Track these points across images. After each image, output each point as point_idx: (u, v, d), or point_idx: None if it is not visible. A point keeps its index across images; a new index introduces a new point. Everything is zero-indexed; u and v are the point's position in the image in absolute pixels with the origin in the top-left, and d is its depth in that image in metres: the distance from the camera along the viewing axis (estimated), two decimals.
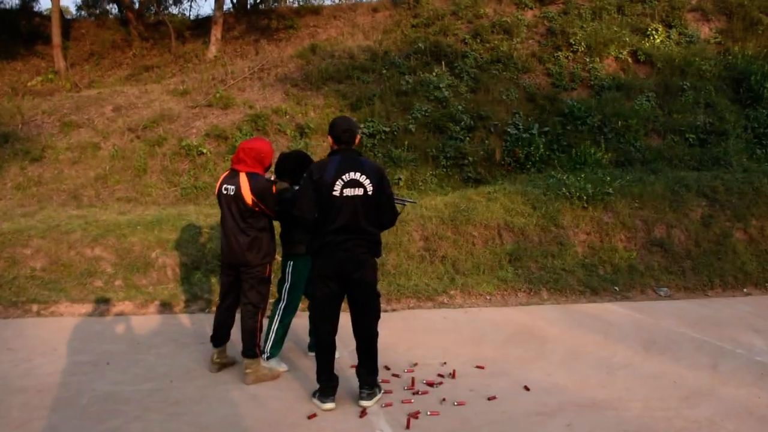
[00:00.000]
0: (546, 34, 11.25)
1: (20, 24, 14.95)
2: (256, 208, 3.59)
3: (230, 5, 15.73)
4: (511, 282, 5.95)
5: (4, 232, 5.98)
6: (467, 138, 8.90)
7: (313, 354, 3.97)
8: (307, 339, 4.27)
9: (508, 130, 8.86)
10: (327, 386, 3.38)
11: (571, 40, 10.64)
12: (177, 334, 4.61)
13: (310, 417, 3.26)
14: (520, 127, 8.89)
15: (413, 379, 3.74)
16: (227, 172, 3.74)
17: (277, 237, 3.85)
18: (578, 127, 9.00)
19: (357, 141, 3.42)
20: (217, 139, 8.82)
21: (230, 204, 3.63)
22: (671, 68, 10.13)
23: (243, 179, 3.58)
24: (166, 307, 5.25)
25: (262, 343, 3.79)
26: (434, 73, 10.01)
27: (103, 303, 5.21)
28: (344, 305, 3.48)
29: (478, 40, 11.10)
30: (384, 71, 10.34)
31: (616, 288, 6.08)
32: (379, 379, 3.57)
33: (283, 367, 3.88)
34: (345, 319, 3.47)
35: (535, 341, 4.61)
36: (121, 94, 10.37)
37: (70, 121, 9.29)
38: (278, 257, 4.00)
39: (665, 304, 5.84)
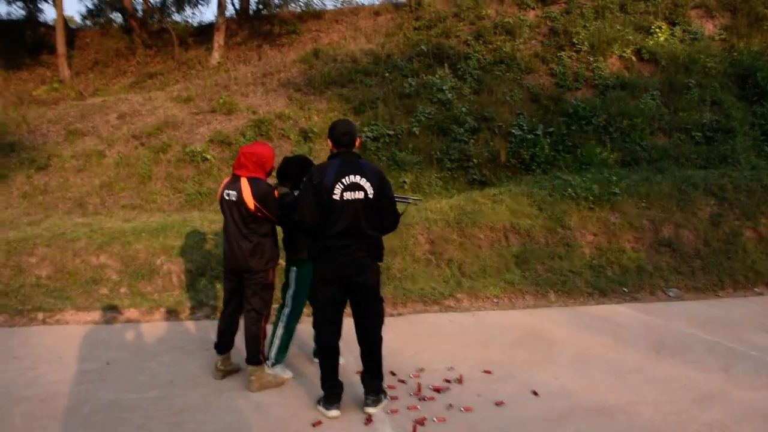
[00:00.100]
0: (549, 34, 11.19)
1: (26, 34, 15.12)
2: (259, 214, 3.57)
3: (233, 11, 15.80)
4: (518, 284, 5.90)
5: (10, 240, 6.00)
6: (471, 140, 8.85)
7: (317, 360, 3.94)
8: (312, 345, 4.23)
9: (513, 131, 8.79)
10: (331, 393, 3.34)
11: (574, 40, 10.58)
12: (182, 341, 4.60)
13: (314, 424, 3.22)
14: (525, 128, 8.81)
15: (419, 385, 3.70)
16: (229, 178, 3.72)
17: (280, 242, 3.82)
18: (583, 127, 8.92)
19: (357, 144, 3.39)
20: (221, 145, 8.84)
21: (232, 209, 3.61)
22: (676, 66, 10.02)
23: (245, 184, 3.56)
24: (171, 314, 5.24)
25: (266, 350, 3.77)
26: (437, 76, 9.99)
27: (108, 310, 5.20)
28: (348, 310, 3.45)
29: (481, 42, 11.06)
30: (387, 74, 10.33)
31: (625, 289, 6.01)
32: (385, 384, 3.53)
33: (287, 374, 3.85)
34: (350, 325, 3.44)
35: (543, 344, 4.56)
36: (125, 101, 10.43)
37: (75, 130, 9.35)
38: (282, 262, 3.97)
39: (675, 305, 5.76)
